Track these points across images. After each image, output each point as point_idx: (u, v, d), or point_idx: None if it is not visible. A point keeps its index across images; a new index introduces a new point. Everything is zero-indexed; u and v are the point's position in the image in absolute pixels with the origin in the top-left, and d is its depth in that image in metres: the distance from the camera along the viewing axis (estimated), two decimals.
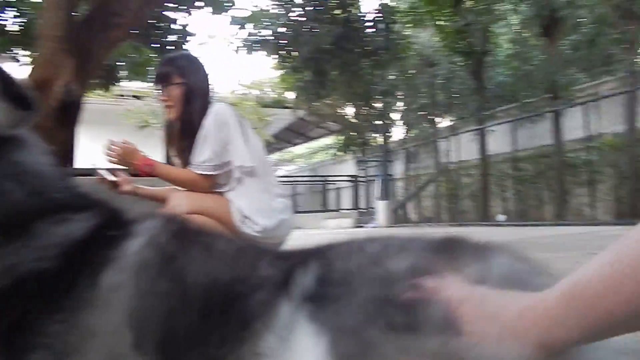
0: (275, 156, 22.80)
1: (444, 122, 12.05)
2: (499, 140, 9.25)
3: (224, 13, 8.00)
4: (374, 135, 12.76)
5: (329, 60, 9.06)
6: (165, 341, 0.56)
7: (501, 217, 8.81)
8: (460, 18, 8.42)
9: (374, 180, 12.29)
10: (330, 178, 14.83)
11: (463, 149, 10.19)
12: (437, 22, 8.74)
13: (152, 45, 7.91)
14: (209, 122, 1.72)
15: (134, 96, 11.03)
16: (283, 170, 22.31)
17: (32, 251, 0.58)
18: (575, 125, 7.70)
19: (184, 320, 0.58)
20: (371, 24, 9.08)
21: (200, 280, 0.61)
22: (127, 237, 0.63)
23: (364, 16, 9.10)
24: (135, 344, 0.55)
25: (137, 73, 7.88)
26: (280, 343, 0.54)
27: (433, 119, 11.57)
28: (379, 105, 11.33)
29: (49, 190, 0.65)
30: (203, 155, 1.70)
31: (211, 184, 1.75)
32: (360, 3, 9.28)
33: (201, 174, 1.71)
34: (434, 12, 8.60)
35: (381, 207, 10.29)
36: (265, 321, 0.56)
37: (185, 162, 1.79)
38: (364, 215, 11.59)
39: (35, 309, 0.55)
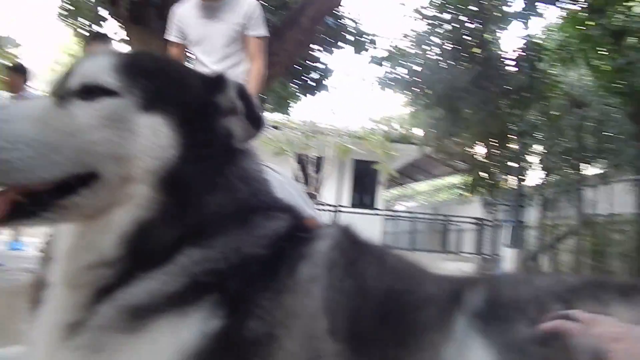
0: (397, 191, 22.66)
1: (591, 169, 10.82)
2: None
3: (363, 52, 8.37)
4: (505, 177, 11.97)
5: (464, 99, 8.85)
6: (352, 333, 0.62)
7: None
8: (620, 56, 7.60)
9: (502, 225, 11.43)
10: (453, 218, 14.21)
11: (615, 200, 9.00)
12: (591, 62, 7.99)
13: (296, 81, 8.59)
14: None
15: (273, 126, 11.99)
16: (403, 206, 22.03)
17: (252, 239, 0.69)
18: None
19: (366, 318, 0.64)
20: (513, 62, 8.67)
21: (378, 285, 0.68)
22: (315, 239, 0.73)
23: (506, 54, 8.74)
24: (329, 330, 0.62)
25: (280, 106, 8.58)
26: (457, 353, 0.59)
27: (578, 164, 10.46)
28: (514, 146, 10.64)
29: (262, 193, 0.78)
30: None
31: None
32: (500, 41, 8.96)
33: None
34: (588, 50, 7.90)
35: (510, 255, 9.50)
36: (443, 332, 0.61)
37: None
38: (488, 261, 10.80)
39: (252, 286, 0.65)
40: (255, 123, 0.76)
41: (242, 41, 2.94)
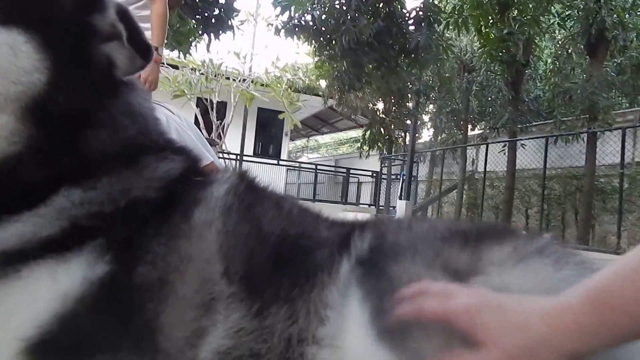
0: (301, 143, 22.86)
1: (474, 130, 11.87)
2: (529, 156, 9.06)
3: None
4: (401, 133, 12.67)
5: (367, 53, 8.99)
6: (246, 276, 0.63)
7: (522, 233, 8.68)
8: (504, 26, 8.23)
9: (396, 178, 12.22)
10: (353, 171, 14.82)
11: (491, 159, 10.04)
12: (481, 28, 8.56)
13: (197, 17, 8.01)
14: None
15: (171, 65, 11.20)
16: (306, 158, 22.36)
17: (142, 180, 0.66)
18: (610, 150, 7.48)
19: (260, 261, 0.65)
20: (412, 21, 8.95)
21: (273, 229, 0.69)
22: (211, 183, 0.71)
23: (408, 13, 8.98)
24: (223, 273, 0.62)
25: (179, 43, 7.99)
26: (340, 297, 0.61)
27: (465, 124, 11.41)
28: (410, 104, 11.22)
29: (152, 132, 0.73)
30: None
31: None
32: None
33: None
34: (479, 17, 8.41)
35: (401, 207, 10.25)
36: (330, 275, 0.64)
37: None
38: (383, 212, 11.58)
39: (142, 231, 0.62)
40: (142, 52, 0.69)
41: None
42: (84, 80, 0.64)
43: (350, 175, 14.93)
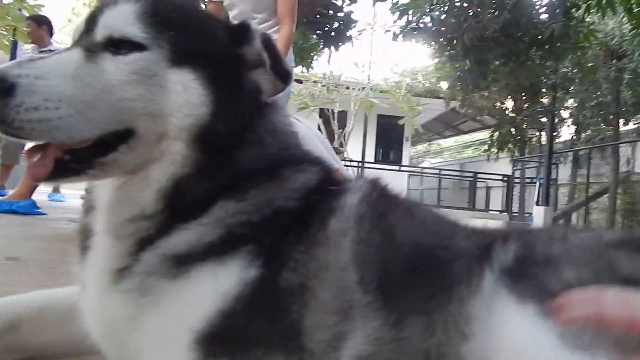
0: (423, 147, 22.27)
1: (628, 125, 10.26)
2: None
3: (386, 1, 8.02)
4: (536, 132, 11.55)
5: (492, 49, 8.42)
6: (381, 285, 0.63)
7: None
8: None
9: (531, 182, 11.15)
10: (480, 175, 13.95)
11: None
12: (631, 7, 7.39)
13: (318, 32, 8.35)
14: None
15: (295, 80, 11.85)
16: (429, 163, 21.70)
17: (283, 191, 0.71)
18: None
19: (395, 271, 0.65)
20: (545, 9, 8.13)
21: (407, 239, 0.69)
22: (344, 192, 0.74)
23: (539, 1, 8.19)
24: (358, 282, 0.63)
25: (302, 58, 8.42)
26: (484, 309, 0.59)
27: (615, 119, 9.95)
28: (545, 100, 10.18)
29: (291, 146, 0.79)
30: None
31: None
32: None
33: None
34: None
35: (539, 213, 9.29)
36: (470, 288, 0.61)
37: None
38: (517, 219, 10.65)
39: (285, 238, 0.67)
40: (283, 76, 0.75)
41: (274, 3, 2.85)
42: (237, 107, 0.71)
43: (478, 179, 14.05)
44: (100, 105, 0.65)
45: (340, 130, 13.19)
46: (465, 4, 7.89)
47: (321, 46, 9.35)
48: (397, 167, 14.04)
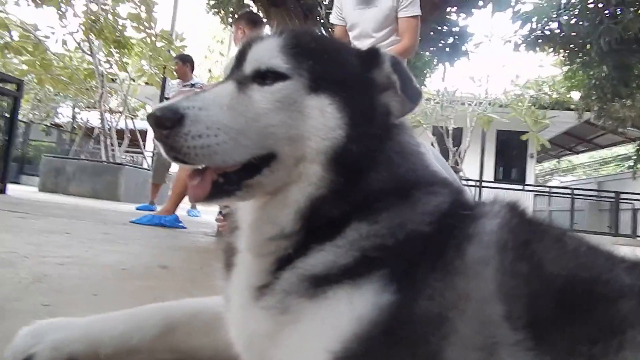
0: (550, 164, 20.33)
1: None
2: None
3: (506, 11, 7.60)
4: None
5: (636, 52, 7.44)
6: (532, 322, 0.58)
7: None
8: None
9: None
10: (624, 195, 12.23)
11: None
12: None
13: (432, 48, 8.21)
14: None
15: None
16: (558, 181, 19.72)
17: (415, 215, 0.69)
18: None
19: (547, 306, 0.59)
20: None
21: (558, 270, 0.63)
22: (480, 216, 0.70)
23: None
24: (505, 317, 0.59)
25: (415, 76, 8.33)
26: None
27: None
28: None
29: (420, 167, 0.78)
30: None
31: None
32: None
33: None
34: None
35: None
36: None
37: None
38: None
39: (419, 264, 0.64)
40: (412, 97, 0.77)
41: (395, 22, 2.94)
42: (370, 129, 0.73)
43: (622, 200, 12.31)
44: (249, 132, 0.70)
45: (455, 148, 12.66)
46: (600, 5, 7.11)
47: (435, 63, 9.17)
48: (520, 187, 12.99)
